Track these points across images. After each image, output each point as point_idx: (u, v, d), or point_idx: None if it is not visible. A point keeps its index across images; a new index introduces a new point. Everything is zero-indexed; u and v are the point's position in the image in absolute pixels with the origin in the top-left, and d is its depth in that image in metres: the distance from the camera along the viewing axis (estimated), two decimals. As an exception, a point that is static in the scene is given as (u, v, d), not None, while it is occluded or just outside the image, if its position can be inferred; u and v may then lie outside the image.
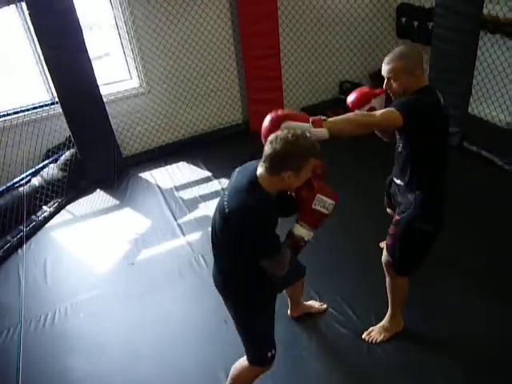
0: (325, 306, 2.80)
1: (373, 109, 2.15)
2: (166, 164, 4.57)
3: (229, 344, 2.63)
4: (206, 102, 4.90)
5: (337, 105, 5.19)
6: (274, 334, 2.05)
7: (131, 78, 4.59)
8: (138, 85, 4.56)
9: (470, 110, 4.32)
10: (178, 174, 4.39)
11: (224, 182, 4.14)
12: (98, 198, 4.14)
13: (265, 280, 1.90)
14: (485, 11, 3.94)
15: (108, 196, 4.16)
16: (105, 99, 4.23)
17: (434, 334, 2.55)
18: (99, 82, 4.09)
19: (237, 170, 1.89)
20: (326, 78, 5.24)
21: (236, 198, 1.72)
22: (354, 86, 5.20)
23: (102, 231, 3.73)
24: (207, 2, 4.41)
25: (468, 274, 2.89)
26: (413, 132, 2.03)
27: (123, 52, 4.44)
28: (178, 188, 4.16)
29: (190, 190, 4.11)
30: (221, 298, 2.05)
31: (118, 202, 4.06)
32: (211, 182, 4.18)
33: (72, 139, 4.16)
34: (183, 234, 3.56)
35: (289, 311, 2.75)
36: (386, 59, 2.07)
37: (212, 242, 1.93)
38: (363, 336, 2.57)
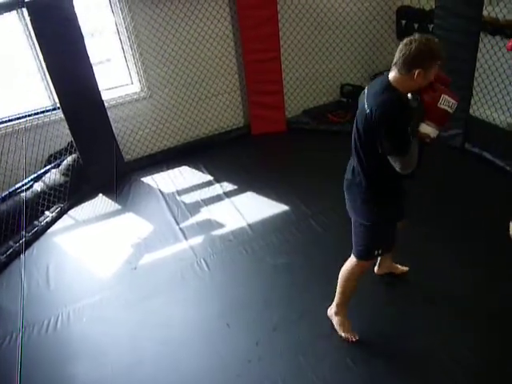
0: (406, 268, 2.92)
1: None
2: (167, 168, 4.58)
3: (232, 348, 2.64)
4: (207, 105, 4.91)
5: (338, 107, 5.21)
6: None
7: (132, 83, 4.60)
8: (140, 89, 4.57)
9: (471, 111, 4.31)
10: (179, 178, 4.40)
11: (226, 186, 4.15)
12: (100, 203, 4.15)
13: (398, 183, 2.18)
14: (485, 13, 3.94)
15: (110, 201, 4.16)
16: (106, 104, 4.24)
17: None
18: (101, 87, 4.10)
19: (366, 88, 2.13)
20: (326, 81, 5.25)
21: (374, 98, 1.96)
22: (355, 88, 5.22)
23: (105, 236, 3.74)
24: (207, 6, 4.43)
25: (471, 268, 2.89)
26: None
27: (124, 57, 4.46)
28: (179, 192, 4.17)
29: (192, 194, 4.11)
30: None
31: (120, 207, 4.07)
32: (213, 186, 4.19)
33: (74, 144, 4.17)
34: (185, 238, 3.56)
35: (376, 268, 2.90)
36: None
37: (355, 149, 2.15)
38: None
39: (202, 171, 4.45)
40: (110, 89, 4.48)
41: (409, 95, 2.00)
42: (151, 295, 3.08)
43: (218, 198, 4.00)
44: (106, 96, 4.27)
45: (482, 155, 4.05)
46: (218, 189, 4.14)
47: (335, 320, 2.61)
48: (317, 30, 4.97)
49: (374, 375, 2.38)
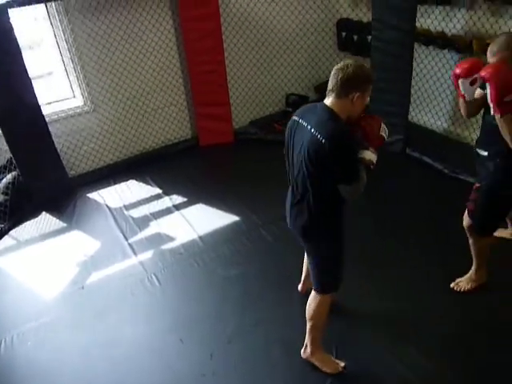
0: None
1: (475, 80, 2.26)
2: (114, 183, 4.48)
3: (185, 363, 2.61)
4: (153, 118, 4.86)
5: (284, 117, 5.29)
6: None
7: (74, 97, 4.49)
8: (82, 103, 4.46)
9: (410, 118, 4.51)
10: (127, 192, 4.31)
11: (175, 199, 4.10)
12: (44, 222, 3.99)
13: (342, 215, 2.16)
14: (418, 25, 4.16)
15: (54, 219, 4.02)
16: (48, 119, 4.11)
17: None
18: (41, 101, 3.97)
19: (296, 115, 2.09)
20: (272, 92, 5.33)
21: (326, 127, 1.90)
22: (300, 98, 5.34)
23: (50, 256, 3.60)
24: (150, 19, 4.40)
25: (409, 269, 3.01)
26: None
27: (65, 70, 4.34)
28: (127, 207, 4.08)
29: (141, 208, 4.04)
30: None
31: (65, 225, 3.93)
32: (162, 199, 4.13)
33: (13, 161, 4.00)
34: (135, 254, 3.49)
35: (300, 286, 2.92)
36: (492, 49, 2.20)
37: (295, 185, 2.11)
38: (451, 285, 2.85)
39: (150, 184, 4.38)
40: (50, 103, 4.35)
41: None
42: (100, 314, 2.99)
43: (167, 211, 3.95)
44: (47, 111, 4.14)
45: (422, 159, 4.24)
46: (166, 202, 4.09)
47: (315, 360, 2.48)
48: (260, 42, 5.05)
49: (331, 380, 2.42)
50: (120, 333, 2.85)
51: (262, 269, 3.21)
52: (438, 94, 4.44)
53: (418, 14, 4.04)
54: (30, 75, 3.80)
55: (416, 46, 4.21)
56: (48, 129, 4.08)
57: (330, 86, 1.94)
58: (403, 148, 4.39)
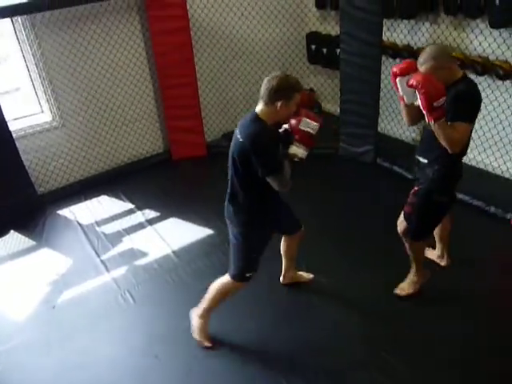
0: (311, 276, 3.14)
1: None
2: (85, 199, 4.39)
3: (162, 380, 2.56)
4: (124, 132, 4.81)
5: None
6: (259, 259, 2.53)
7: (43, 112, 4.40)
8: (51, 118, 4.38)
9: (379, 128, 4.60)
10: (98, 208, 4.23)
11: (148, 213, 4.05)
12: (12, 240, 3.87)
13: (266, 204, 2.42)
14: (385, 38, 4.26)
15: (23, 237, 3.90)
16: (15, 135, 4.01)
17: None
18: (7, 117, 3.88)
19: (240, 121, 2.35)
20: (244, 104, 5.35)
21: (245, 128, 2.21)
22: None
23: (18, 275, 3.49)
24: (119, 33, 4.37)
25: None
26: None
27: (32, 85, 4.26)
28: (99, 223, 4.01)
29: (113, 224, 3.97)
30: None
31: (34, 243, 3.82)
32: (134, 214, 4.07)
33: (-21, 179, 3.89)
34: (107, 271, 3.42)
35: (281, 278, 3.11)
36: (420, 60, 2.33)
37: (230, 177, 2.38)
38: (396, 292, 2.93)
39: (123, 199, 4.32)
40: (17, 119, 4.25)
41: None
42: (73, 334, 2.91)
43: (140, 226, 3.90)
44: (14, 127, 4.05)
45: (392, 169, 4.33)
46: (139, 217, 4.03)
47: (196, 322, 2.75)
48: (231, 55, 5.08)
49: None
50: (94, 352, 2.78)
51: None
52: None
53: (385, 28, 4.16)
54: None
55: (384, 58, 4.32)
56: (15, 145, 3.99)
57: (260, 94, 2.22)
58: (374, 158, 4.47)
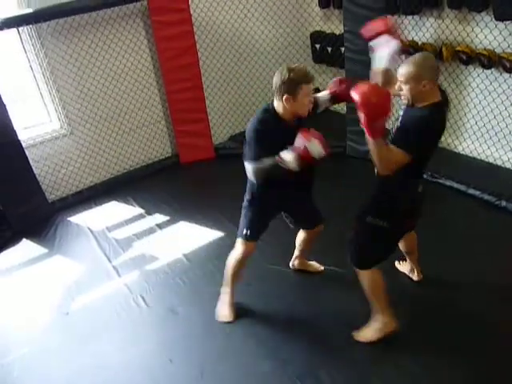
0: (322, 267, 3.20)
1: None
2: (95, 205, 4.43)
3: (176, 382, 2.57)
4: (132, 138, 4.84)
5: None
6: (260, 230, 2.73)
7: (51, 121, 4.44)
8: (59, 126, 4.42)
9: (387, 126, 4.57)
10: (109, 214, 4.26)
11: (158, 218, 4.07)
12: (25, 249, 3.91)
13: (272, 189, 2.48)
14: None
15: (36, 245, 3.94)
16: (24, 144, 4.05)
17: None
18: (17, 126, 3.92)
19: None
20: (250, 106, 5.36)
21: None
22: (278, 111, 5.37)
23: (32, 283, 3.52)
24: (124, 39, 4.41)
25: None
26: None
27: (40, 94, 4.30)
28: (110, 229, 4.03)
29: (124, 230, 3.99)
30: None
31: (46, 250, 3.85)
32: (144, 219, 4.10)
33: (-9, 189, 3.94)
34: (119, 276, 3.44)
35: (291, 263, 3.22)
36: (403, 63, 2.14)
37: None
38: (357, 338, 2.60)
39: (132, 205, 4.35)
40: (27, 128, 4.29)
41: None
42: (87, 339, 2.93)
43: (150, 231, 3.92)
44: (23, 136, 4.09)
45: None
46: (149, 221, 4.05)
47: (220, 297, 2.94)
48: (236, 58, 5.09)
49: None
50: (108, 357, 2.80)
51: (247, 282, 3.19)
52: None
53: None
54: (3, 100, 3.76)
55: (388, 55, 4.29)
56: (25, 154, 4.03)
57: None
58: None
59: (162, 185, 4.61)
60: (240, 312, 2.94)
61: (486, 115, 4.02)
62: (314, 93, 2.36)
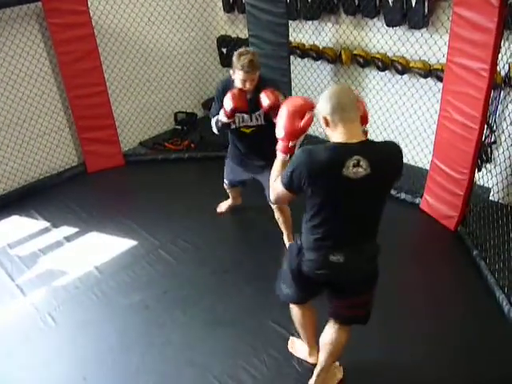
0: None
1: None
2: (-6, 221, 4.11)
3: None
4: (33, 147, 4.54)
5: (174, 135, 5.26)
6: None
7: None
8: None
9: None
10: (10, 230, 3.96)
11: (65, 230, 3.86)
12: None
13: (233, 147, 3.22)
14: (292, 39, 4.40)
15: None
16: None
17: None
18: None
19: None
20: (158, 111, 5.28)
21: None
22: (188, 115, 5.35)
23: None
24: (18, 42, 4.12)
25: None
26: None
27: None
28: (11, 245, 3.75)
29: (27, 245, 3.73)
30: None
31: None
32: (50, 232, 3.86)
33: None
34: (24, 295, 3.21)
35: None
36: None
37: None
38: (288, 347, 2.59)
39: (36, 218, 4.08)
40: None
41: None
42: (-9, 367, 2.71)
43: (57, 245, 3.71)
44: None
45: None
46: (56, 234, 3.83)
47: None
48: (141, 62, 4.99)
49: None
50: (15, 380, 2.61)
51: (165, 291, 3.14)
52: (316, 102, 4.70)
53: (291, 29, 4.29)
54: None
55: (292, 58, 4.46)
56: None
57: None
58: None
59: (68, 195, 4.37)
60: (158, 321, 2.89)
61: (383, 114, 4.30)
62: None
